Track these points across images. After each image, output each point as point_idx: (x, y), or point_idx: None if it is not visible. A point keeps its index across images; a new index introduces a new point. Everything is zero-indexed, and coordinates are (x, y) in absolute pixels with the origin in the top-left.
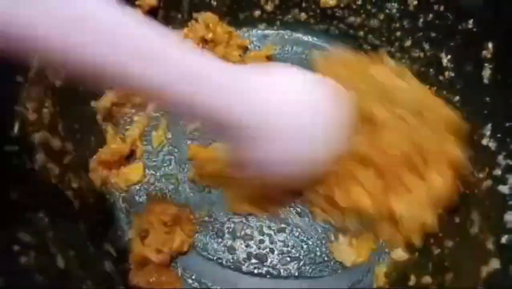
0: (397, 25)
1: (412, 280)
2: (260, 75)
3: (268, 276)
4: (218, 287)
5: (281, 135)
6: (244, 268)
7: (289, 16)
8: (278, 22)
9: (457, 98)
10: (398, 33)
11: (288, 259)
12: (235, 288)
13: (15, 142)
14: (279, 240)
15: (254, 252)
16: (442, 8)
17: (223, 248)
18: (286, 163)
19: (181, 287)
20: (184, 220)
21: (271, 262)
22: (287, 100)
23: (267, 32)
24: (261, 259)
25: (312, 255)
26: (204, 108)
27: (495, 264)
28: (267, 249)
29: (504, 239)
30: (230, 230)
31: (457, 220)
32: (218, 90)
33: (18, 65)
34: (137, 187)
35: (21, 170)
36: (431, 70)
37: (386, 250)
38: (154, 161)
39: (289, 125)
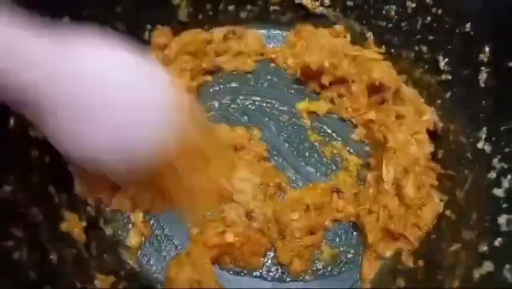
0: (395, 27)
1: (405, 282)
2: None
3: (268, 278)
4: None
5: (99, 116)
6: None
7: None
8: None
9: (453, 101)
10: (396, 35)
11: None
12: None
13: (10, 136)
14: None
15: None
16: (440, 11)
17: None
18: (111, 150)
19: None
20: None
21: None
22: (107, 80)
23: None
24: None
25: None
26: (13, 82)
27: (488, 266)
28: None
29: (497, 242)
30: None
31: (451, 222)
32: (27, 64)
33: None
34: None
35: (15, 164)
36: (428, 72)
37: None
38: None
39: (106, 105)
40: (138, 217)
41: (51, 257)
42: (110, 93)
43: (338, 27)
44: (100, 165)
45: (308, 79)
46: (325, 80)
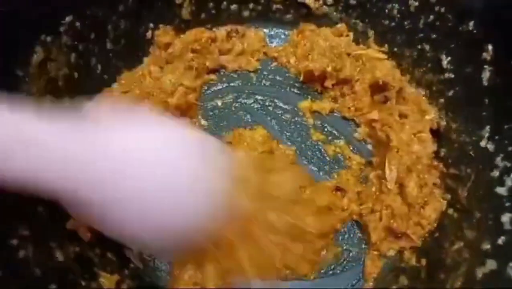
0: (398, 26)
1: (408, 281)
2: (111, 135)
3: None
4: None
5: (137, 201)
6: None
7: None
8: None
9: (456, 99)
10: (399, 34)
11: None
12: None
13: None
14: None
15: None
16: (443, 9)
17: None
18: (148, 231)
19: None
20: None
21: None
22: (142, 163)
23: None
24: None
25: None
26: (47, 185)
27: (491, 265)
28: None
29: (500, 241)
30: None
31: (453, 221)
32: (58, 164)
33: (18, 59)
34: None
35: None
36: (431, 71)
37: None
38: None
39: (145, 189)
40: None
41: (56, 255)
42: (157, 179)
43: (341, 26)
44: (148, 246)
45: (311, 82)
46: (328, 83)
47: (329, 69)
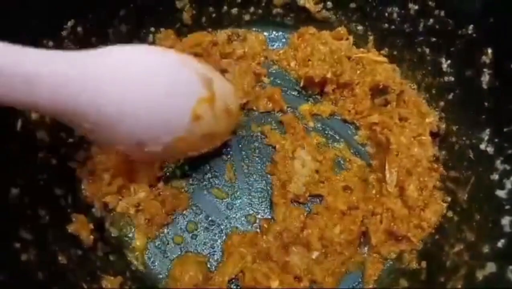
0: (398, 29)
1: (408, 283)
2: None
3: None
4: None
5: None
6: None
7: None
8: None
9: (455, 102)
10: (399, 37)
11: None
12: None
13: (17, 139)
14: None
15: None
16: (442, 13)
17: None
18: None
19: None
20: None
21: None
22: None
23: None
24: None
25: None
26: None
27: (491, 267)
28: None
29: (500, 243)
30: None
31: (453, 223)
32: (58, 85)
33: None
34: None
35: (22, 167)
36: (431, 74)
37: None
38: None
39: (136, 99)
40: (142, 219)
41: (59, 258)
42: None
43: (341, 29)
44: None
45: (312, 87)
46: (329, 88)
47: (329, 75)
